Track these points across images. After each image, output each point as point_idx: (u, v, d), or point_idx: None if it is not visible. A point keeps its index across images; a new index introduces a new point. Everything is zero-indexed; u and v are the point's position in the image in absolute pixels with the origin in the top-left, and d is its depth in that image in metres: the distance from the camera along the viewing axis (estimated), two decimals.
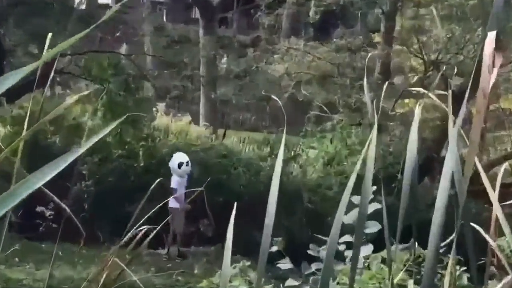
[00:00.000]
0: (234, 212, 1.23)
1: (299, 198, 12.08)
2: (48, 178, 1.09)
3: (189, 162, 10.29)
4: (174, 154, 10.50)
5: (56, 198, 1.87)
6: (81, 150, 1.14)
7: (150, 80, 14.02)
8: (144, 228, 1.96)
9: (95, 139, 1.19)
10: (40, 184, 1.07)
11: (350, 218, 4.16)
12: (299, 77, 17.03)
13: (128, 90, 12.02)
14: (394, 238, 1.43)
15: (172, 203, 9.66)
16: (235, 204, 1.31)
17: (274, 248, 4.78)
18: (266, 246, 1.16)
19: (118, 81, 11.89)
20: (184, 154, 10.49)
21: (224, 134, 18.40)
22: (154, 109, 14.99)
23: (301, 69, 16.77)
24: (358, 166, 1.18)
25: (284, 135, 1.31)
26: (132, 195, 10.67)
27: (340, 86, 15.77)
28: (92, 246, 9.76)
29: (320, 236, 4.74)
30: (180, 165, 10.11)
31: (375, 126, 1.23)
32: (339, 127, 14.17)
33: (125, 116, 1.42)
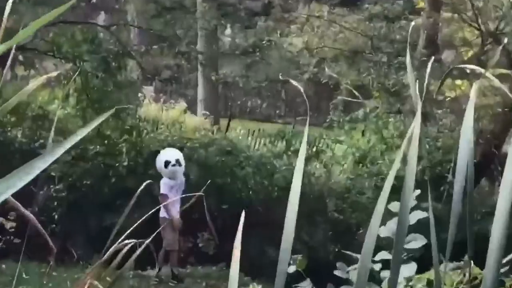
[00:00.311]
0: (242, 223, 1.23)
1: (323, 206, 12.09)
2: (20, 186, 1.09)
3: (181, 160, 10.26)
4: (162, 151, 10.52)
5: (20, 206, 1.89)
6: (62, 150, 1.14)
7: (135, 58, 14.05)
8: (129, 243, 1.97)
9: (76, 137, 1.19)
10: (10, 193, 1.08)
11: (388, 230, 4.16)
12: (323, 53, 16.99)
13: (107, 70, 12.06)
14: (444, 255, 1.42)
15: (164, 212, 9.70)
16: (243, 213, 1.31)
17: (292, 268, 4.79)
18: (284, 265, 1.16)
19: (95, 60, 11.93)
20: (175, 150, 10.50)
21: (228, 126, 18.45)
22: (140, 94, 15.04)
23: (325, 43, 16.73)
24: (397, 164, 1.18)
25: (307, 126, 1.31)
26: (113, 202, 10.70)
27: (374, 64, 15.71)
28: (64, 265, 9.81)
29: (349, 253, 4.75)
30: (166, 164, 10.10)
31: (419, 113, 1.23)
32: (373, 115, 14.14)
33: (113, 110, 1.42)
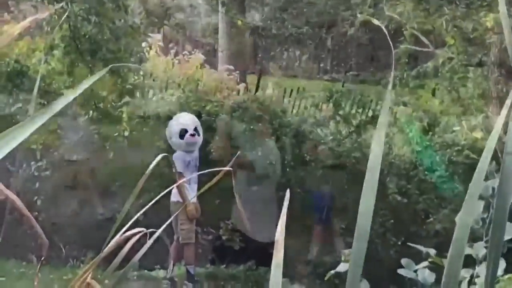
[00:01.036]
0: (286, 207, 1.19)
1: (382, 186, 12.04)
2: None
3: (199, 128, 10.28)
4: (175, 116, 10.53)
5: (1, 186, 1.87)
6: (47, 116, 1.12)
7: None
8: (134, 235, 1.95)
9: (65, 99, 1.16)
10: None
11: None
12: None
13: (102, 13, 12.05)
14: None
15: (177, 195, 9.73)
16: (288, 194, 1.27)
17: (344, 267, 4.77)
18: (358, 268, 1.13)
19: None
20: (191, 116, 10.50)
21: (258, 84, 18.42)
22: (145, 44, 15.03)
23: None
24: (496, 134, 1.13)
25: (392, 77, 1.26)
26: (111, 183, 10.75)
27: (448, 2, 15.53)
28: (50, 264, 9.89)
29: (418, 247, 4.72)
30: (183, 133, 10.10)
31: None
32: (446, 69, 14.01)
33: (109, 67, 1.39)
